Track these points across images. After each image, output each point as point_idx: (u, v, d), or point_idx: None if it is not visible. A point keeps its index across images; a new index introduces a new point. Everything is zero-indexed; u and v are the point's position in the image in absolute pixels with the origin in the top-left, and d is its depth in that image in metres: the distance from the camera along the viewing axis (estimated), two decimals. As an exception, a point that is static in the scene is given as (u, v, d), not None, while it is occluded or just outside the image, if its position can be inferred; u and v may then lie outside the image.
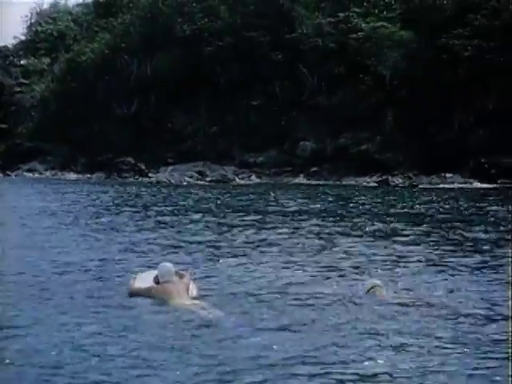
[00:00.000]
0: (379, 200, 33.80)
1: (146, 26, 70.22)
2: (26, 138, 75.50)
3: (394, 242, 17.38)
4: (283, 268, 13.66)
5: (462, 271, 13.26)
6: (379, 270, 13.19)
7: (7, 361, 7.84)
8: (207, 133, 62.45)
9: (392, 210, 27.52)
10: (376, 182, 49.20)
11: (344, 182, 49.90)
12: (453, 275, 12.80)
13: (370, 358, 7.80)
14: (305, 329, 9.01)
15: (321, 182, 50.41)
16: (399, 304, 10.23)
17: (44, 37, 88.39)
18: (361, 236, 18.64)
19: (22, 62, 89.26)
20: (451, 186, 45.38)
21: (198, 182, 54.82)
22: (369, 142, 53.28)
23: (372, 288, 10.66)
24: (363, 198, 35.27)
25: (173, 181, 55.56)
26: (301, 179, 53.37)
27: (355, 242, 17.29)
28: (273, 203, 31.95)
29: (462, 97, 48.24)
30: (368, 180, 50.12)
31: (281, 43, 59.99)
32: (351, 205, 30.75)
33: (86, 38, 78.82)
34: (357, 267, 13.61)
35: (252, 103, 60.83)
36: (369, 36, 56.85)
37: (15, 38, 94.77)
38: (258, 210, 28.19)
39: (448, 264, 13.99)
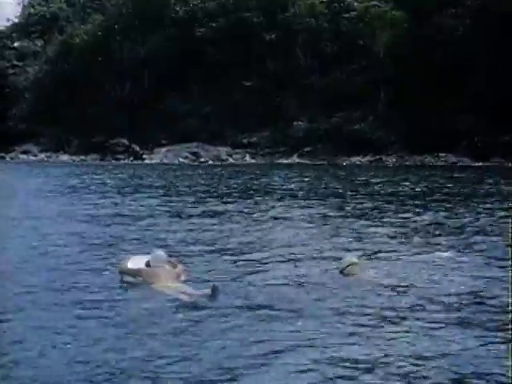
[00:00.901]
0: (369, 179, 33.99)
1: (139, 7, 70.31)
2: (19, 120, 75.52)
3: (380, 221, 17.58)
4: (269, 246, 13.94)
5: (446, 251, 13.27)
6: (359, 249, 13.37)
7: None
8: (200, 114, 62.66)
9: (381, 190, 27.64)
10: (369, 161, 49.74)
11: (337, 162, 50.12)
12: (434, 256, 12.75)
13: (343, 338, 8.00)
14: (287, 308, 9.27)
15: (314, 162, 50.74)
16: (372, 282, 10.44)
17: (37, 19, 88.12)
18: (348, 215, 18.87)
19: (15, 45, 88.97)
20: (444, 164, 45.91)
21: (192, 162, 55.27)
22: (362, 121, 53.57)
23: (348, 266, 10.77)
24: (354, 177, 35.68)
25: (167, 162, 56.00)
26: (294, 159, 53.77)
27: (342, 221, 17.57)
28: (267, 183, 32.39)
29: (454, 76, 48.47)
30: (361, 159, 50.54)
31: (274, 24, 60.32)
32: (342, 184, 30.94)
33: (79, 20, 79.15)
34: (339, 246, 13.81)
35: (245, 83, 61.09)
36: (362, 16, 57.29)
37: (8, 20, 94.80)
38: (249, 189, 28.72)
39: (433, 245, 14.01)
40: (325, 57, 57.45)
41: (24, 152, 70.20)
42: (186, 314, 9.13)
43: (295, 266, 11.96)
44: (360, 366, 7.14)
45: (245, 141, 58.18)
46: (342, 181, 33.56)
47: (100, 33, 72.29)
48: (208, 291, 9.85)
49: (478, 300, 9.62)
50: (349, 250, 12.91)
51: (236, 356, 7.44)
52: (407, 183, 30.52)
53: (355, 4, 58.05)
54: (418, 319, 8.69)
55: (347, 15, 57.55)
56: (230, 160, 55.34)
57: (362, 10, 57.35)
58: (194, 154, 58.03)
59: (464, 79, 48.75)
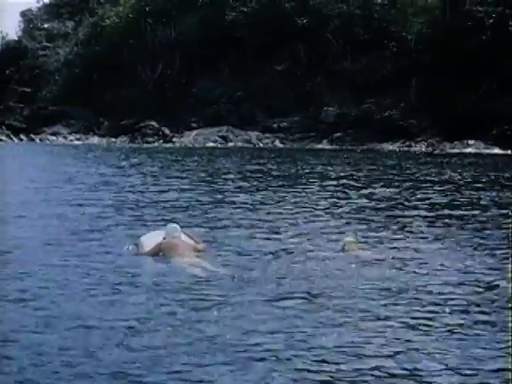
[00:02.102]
0: (397, 165, 34.55)
1: (171, -10, 71.08)
2: (49, 101, 76.38)
3: (397, 208, 17.99)
4: (285, 228, 14.60)
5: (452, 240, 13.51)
6: (368, 231, 14.20)
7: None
8: (231, 97, 63.50)
9: (407, 176, 27.91)
10: (399, 148, 50.02)
11: (367, 148, 50.42)
12: (442, 243, 13.17)
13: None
14: (289, 282, 9.92)
15: (344, 148, 51.05)
16: (365, 257, 11.49)
17: (68, 0, 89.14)
18: (367, 201, 19.29)
19: (45, 26, 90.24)
20: (474, 151, 46.22)
21: (222, 146, 56.05)
22: (392, 108, 54.04)
23: (346, 244, 12.13)
24: (382, 162, 36.18)
25: (197, 145, 56.79)
26: (324, 144, 54.13)
27: (359, 207, 18.08)
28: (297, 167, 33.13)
29: (486, 63, 48.79)
30: (391, 146, 50.89)
31: (306, 8, 60.95)
32: (367, 170, 31.14)
33: (111, 2, 79.71)
34: (344, 227, 14.63)
35: (276, 68, 61.91)
36: (394, 2, 57.78)
37: (38, 1, 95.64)
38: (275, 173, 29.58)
39: (439, 232, 14.36)
40: (356, 43, 57.91)
41: (53, 133, 70.66)
42: (199, 289, 9.59)
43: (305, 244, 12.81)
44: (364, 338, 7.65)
45: (275, 125, 58.75)
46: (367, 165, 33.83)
47: (131, 15, 73.01)
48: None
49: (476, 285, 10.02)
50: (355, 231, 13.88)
51: (243, 332, 7.80)
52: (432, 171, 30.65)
53: (387, -10, 58.58)
54: (402, 291, 9.48)
55: (379, 1, 58.13)
56: (260, 144, 55.96)
57: (394, -4, 57.94)
58: (224, 137, 58.66)
59: (496, 66, 49.04)
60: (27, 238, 13.43)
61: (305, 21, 60.77)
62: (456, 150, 46.84)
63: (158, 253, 11.66)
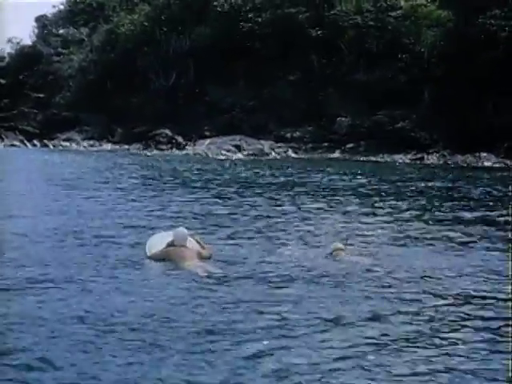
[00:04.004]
0: (410, 177, 35.23)
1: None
2: (63, 107, 77.41)
3: (404, 219, 18.58)
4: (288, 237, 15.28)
5: (452, 248, 14.32)
6: (362, 241, 14.90)
7: (23, 315, 8.94)
8: (244, 106, 64.30)
9: (418, 188, 28.69)
10: (411, 160, 50.44)
11: (379, 159, 51.10)
12: (439, 251, 13.95)
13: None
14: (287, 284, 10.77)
15: (356, 158, 51.66)
16: (352, 263, 12.25)
17: (83, 7, 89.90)
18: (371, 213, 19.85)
19: (60, 32, 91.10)
20: (486, 164, 46.63)
21: (235, 155, 56.87)
22: (405, 119, 54.53)
23: (335, 250, 12.93)
24: (393, 174, 36.76)
25: (210, 154, 57.60)
26: (337, 155, 54.68)
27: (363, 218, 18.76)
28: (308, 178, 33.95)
29: (498, 77, 49.32)
30: (403, 157, 51.35)
31: (320, 20, 61.84)
32: (376, 182, 31.93)
33: (126, 10, 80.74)
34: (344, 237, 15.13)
35: (289, 78, 62.74)
36: (408, 14, 58.48)
37: (54, 7, 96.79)
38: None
39: (436, 239, 15.15)
40: (369, 54, 58.75)
41: (67, 140, 71.64)
42: (202, 290, 10.24)
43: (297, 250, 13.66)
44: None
45: (288, 135, 59.58)
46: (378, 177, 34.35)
47: (146, 23, 73.91)
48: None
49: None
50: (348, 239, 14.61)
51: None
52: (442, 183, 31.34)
53: (401, 2, 59.28)
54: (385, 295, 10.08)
55: (393, 13, 58.80)
56: (273, 154, 56.69)
57: (408, 8, 58.62)
58: (237, 146, 59.40)
59: (508, 79, 49.41)
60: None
61: (319, 32, 61.59)
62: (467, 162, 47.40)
63: (166, 257, 12.21)
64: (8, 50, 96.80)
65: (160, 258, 12.25)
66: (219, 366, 7.36)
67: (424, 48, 56.86)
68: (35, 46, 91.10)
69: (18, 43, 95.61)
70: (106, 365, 7.42)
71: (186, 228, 13.13)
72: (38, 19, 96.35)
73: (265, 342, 8.03)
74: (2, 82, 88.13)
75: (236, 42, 64.41)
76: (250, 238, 14.85)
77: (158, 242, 12.71)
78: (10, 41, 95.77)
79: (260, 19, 65.36)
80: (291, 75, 62.61)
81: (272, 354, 7.71)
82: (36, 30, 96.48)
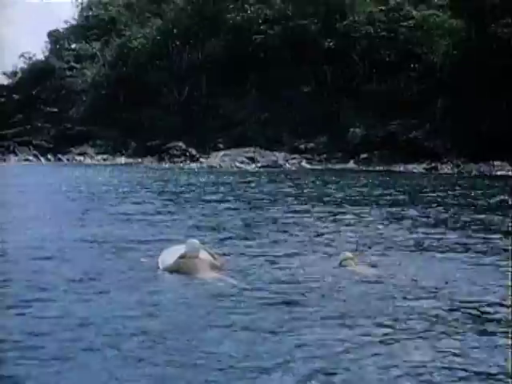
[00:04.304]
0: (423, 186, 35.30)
1: (198, 13, 72.82)
2: (76, 121, 77.78)
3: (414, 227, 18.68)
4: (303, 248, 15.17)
5: (458, 257, 14.12)
6: (374, 250, 14.80)
7: (37, 328, 8.87)
8: (258, 119, 64.75)
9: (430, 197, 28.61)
10: (425, 169, 50.58)
11: (393, 169, 51.10)
12: (449, 259, 13.84)
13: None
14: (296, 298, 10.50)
15: (370, 168, 51.93)
16: (362, 273, 12.10)
17: (95, 22, 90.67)
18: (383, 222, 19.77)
19: (73, 46, 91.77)
20: (499, 173, 46.63)
21: (248, 167, 57.20)
22: (418, 129, 54.66)
23: (344, 260, 12.80)
24: (407, 184, 36.88)
25: (224, 166, 57.96)
26: (350, 165, 54.87)
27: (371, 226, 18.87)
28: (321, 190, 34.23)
29: (511, 85, 49.58)
30: (417, 167, 51.50)
31: (332, 31, 62.27)
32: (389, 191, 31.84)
33: (138, 24, 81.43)
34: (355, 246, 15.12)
35: (302, 89, 63.18)
36: (420, 24, 58.88)
37: (66, 22, 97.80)
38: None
39: (447, 249, 15.00)
40: (382, 64, 59.23)
41: (80, 154, 72.09)
42: (221, 302, 10.11)
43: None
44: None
45: (302, 146, 59.99)
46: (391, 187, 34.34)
47: (158, 37, 74.66)
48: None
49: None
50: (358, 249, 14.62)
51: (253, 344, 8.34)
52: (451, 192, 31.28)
53: (413, 12, 59.67)
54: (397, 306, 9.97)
55: (405, 23, 59.19)
56: (287, 165, 56.99)
57: (419, 18, 59.01)
58: (251, 158, 59.75)
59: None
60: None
61: (331, 43, 62.05)
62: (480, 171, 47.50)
63: (178, 269, 12.03)
64: (21, 65, 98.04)
65: (172, 269, 12.15)
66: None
67: (436, 57, 57.23)
68: (48, 61, 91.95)
69: (30, 58, 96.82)
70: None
71: (200, 240, 13.08)
72: (51, 34, 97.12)
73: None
74: (16, 97, 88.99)
75: (248, 54, 65.09)
76: (263, 249, 14.87)
77: (170, 255, 12.62)
78: (22, 56, 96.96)
79: (272, 31, 65.94)
80: (304, 86, 63.09)
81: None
82: (48, 45, 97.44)
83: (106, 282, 11.45)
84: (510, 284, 11.10)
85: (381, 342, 8.49)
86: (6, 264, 13.04)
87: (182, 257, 12.23)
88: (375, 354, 8.00)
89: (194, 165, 60.33)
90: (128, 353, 8.04)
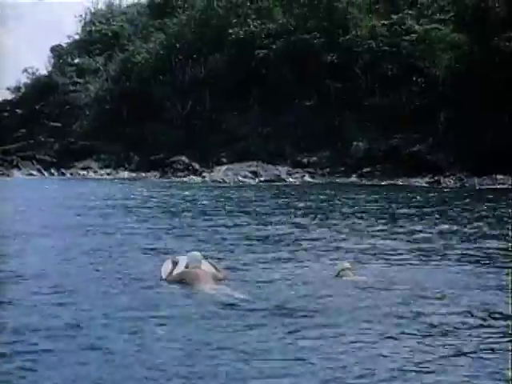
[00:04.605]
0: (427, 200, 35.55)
1: (200, 27, 73.29)
2: (80, 136, 78.12)
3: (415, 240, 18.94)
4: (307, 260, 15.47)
5: (460, 264, 14.68)
6: (377, 262, 15.01)
7: (48, 333, 9.15)
8: (260, 133, 64.95)
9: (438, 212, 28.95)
10: (427, 183, 50.70)
11: (396, 183, 51.33)
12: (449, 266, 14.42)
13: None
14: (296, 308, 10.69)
15: (373, 182, 52.08)
16: (360, 283, 12.35)
17: (98, 36, 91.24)
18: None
19: (76, 61, 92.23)
20: (503, 186, 46.69)
21: (251, 181, 57.43)
22: (421, 142, 54.77)
23: (342, 270, 13.03)
24: (409, 197, 37.08)
25: (227, 180, 58.20)
26: (353, 179, 55.05)
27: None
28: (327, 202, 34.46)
29: (514, 100, 49.76)
30: (420, 181, 51.58)
31: (334, 45, 62.61)
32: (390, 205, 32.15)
33: (141, 38, 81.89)
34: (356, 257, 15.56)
35: (305, 103, 63.48)
36: (422, 38, 59.04)
37: (69, 37, 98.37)
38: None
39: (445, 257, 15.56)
40: (385, 78, 59.43)
41: (84, 168, 72.34)
42: (224, 312, 10.31)
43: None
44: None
45: (305, 160, 60.14)
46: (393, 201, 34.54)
47: (162, 51, 75.04)
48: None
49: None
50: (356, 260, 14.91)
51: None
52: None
53: (416, 27, 59.86)
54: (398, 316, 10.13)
55: (407, 37, 59.40)
56: (290, 179, 57.16)
57: (422, 32, 59.15)
58: (254, 172, 59.97)
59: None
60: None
61: (333, 57, 62.33)
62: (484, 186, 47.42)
63: (181, 280, 12.22)
64: (24, 80, 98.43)
65: (175, 280, 12.35)
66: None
67: (439, 71, 57.40)
68: (51, 76, 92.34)
69: (33, 73, 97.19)
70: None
71: (202, 252, 13.37)
72: (53, 49, 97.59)
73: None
74: (19, 111, 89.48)
75: (251, 69, 65.42)
76: (265, 261, 15.11)
77: (173, 265, 12.82)
78: (25, 71, 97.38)
79: (274, 46, 66.21)
80: (307, 101, 63.36)
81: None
82: (51, 60, 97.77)
83: (108, 289, 11.81)
84: (510, 295, 11.23)
85: (386, 347, 8.69)
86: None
87: (185, 267, 12.45)
88: (384, 364, 8.12)
89: (197, 179, 60.54)
90: (119, 356, 8.27)
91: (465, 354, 8.48)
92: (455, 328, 9.57)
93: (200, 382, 7.61)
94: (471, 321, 9.92)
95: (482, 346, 8.77)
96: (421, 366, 8.05)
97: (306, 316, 10.24)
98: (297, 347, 8.74)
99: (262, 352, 8.54)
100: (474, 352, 8.51)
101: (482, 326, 9.72)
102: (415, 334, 9.26)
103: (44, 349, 8.47)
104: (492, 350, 8.61)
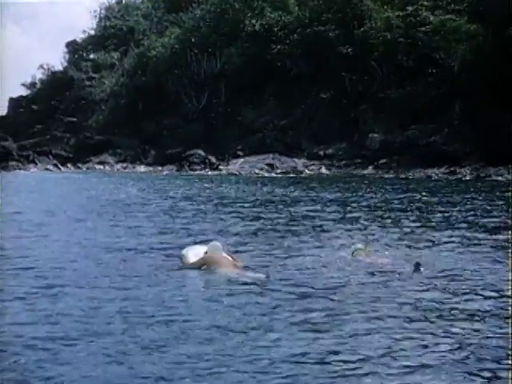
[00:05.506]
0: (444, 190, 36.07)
1: (216, 21, 73.94)
2: (96, 131, 79.29)
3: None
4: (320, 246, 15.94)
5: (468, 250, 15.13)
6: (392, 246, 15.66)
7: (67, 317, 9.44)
8: (276, 126, 65.66)
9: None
10: (444, 174, 51.05)
11: (412, 174, 51.78)
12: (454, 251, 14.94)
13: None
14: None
15: (389, 174, 52.63)
16: (371, 263, 13.09)
17: (113, 31, 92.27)
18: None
19: (91, 56, 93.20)
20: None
21: (268, 173, 57.99)
22: (437, 133, 55.12)
23: (355, 251, 13.93)
24: (426, 188, 37.53)
25: (243, 173, 58.83)
26: (370, 171, 55.43)
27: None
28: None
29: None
30: (436, 171, 51.92)
31: (350, 37, 63.19)
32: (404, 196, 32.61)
33: (156, 33, 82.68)
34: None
35: (321, 96, 64.06)
36: (437, 29, 59.28)
37: (84, 32, 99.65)
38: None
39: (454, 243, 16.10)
40: (400, 70, 59.88)
41: (100, 163, 73.34)
42: (242, 294, 10.72)
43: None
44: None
45: (321, 153, 60.65)
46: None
47: (177, 46, 75.72)
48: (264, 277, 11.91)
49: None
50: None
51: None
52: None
53: (431, 17, 60.15)
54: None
55: (423, 29, 59.69)
56: (306, 171, 57.69)
57: (437, 23, 59.43)
58: (270, 165, 60.52)
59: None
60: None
61: (349, 49, 62.93)
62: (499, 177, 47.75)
63: (202, 265, 12.66)
64: (39, 76, 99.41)
65: (197, 265, 12.75)
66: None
67: (454, 62, 57.73)
68: (66, 72, 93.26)
69: (49, 69, 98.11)
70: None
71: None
72: (69, 44, 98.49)
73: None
74: (35, 107, 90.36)
75: (267, 61, 66.07)
76: (282, 251, 15.43)
77: (193, 252, 13.21)
78: (41, 67, 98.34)
79: (290, 39, 66.78)
80: (323, 93, 63.98)
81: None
82: (67, 56, 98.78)
83: (134, 279, 12.08)
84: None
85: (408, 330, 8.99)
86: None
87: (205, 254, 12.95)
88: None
89: (213, 172, 61.13)
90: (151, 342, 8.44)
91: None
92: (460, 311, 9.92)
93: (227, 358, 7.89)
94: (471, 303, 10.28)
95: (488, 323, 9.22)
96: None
97: (326, 297, 10.73)
98: (334, 328, 9.10)
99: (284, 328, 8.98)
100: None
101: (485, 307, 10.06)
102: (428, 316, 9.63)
103: (59, 342, 8.53)
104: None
